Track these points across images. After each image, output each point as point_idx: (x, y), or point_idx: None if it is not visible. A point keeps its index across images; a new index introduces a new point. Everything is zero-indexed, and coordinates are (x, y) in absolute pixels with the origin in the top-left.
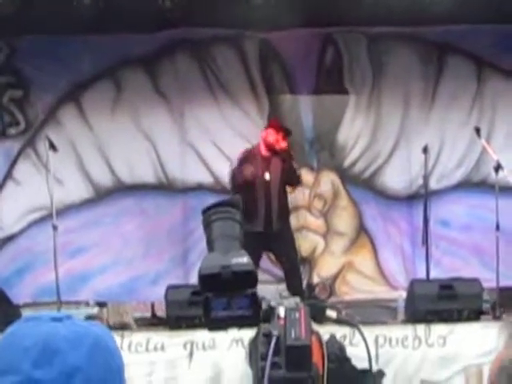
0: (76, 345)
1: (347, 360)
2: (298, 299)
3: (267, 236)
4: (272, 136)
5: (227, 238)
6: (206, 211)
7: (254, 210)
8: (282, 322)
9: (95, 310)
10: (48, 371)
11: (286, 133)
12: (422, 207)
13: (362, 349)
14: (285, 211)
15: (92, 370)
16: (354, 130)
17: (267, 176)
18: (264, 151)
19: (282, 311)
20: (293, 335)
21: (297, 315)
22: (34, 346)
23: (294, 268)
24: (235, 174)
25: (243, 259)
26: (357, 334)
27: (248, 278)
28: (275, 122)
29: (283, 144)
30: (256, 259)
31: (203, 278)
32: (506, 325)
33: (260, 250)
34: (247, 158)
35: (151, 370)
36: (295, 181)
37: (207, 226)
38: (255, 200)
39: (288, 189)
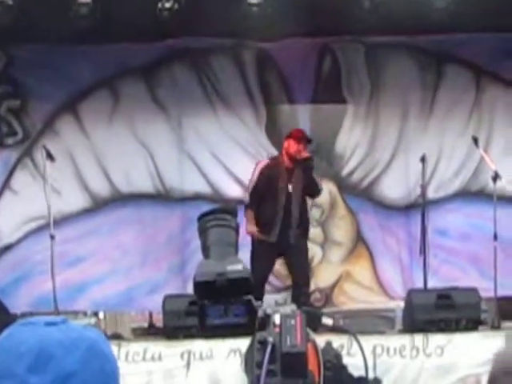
0: (70, 349)
1: (343, 368)
2: (294, 306)
3: (282, 246)
4: (293, 147)
5: (223, 245)
6: (202, 217)
7: (272, 221)
8: (277, 329)
9: (93, 320)
10: (43, 376)
11: (307, 142)
12: (420, 217)
13: (359, 358)
14: (304, 222)
15: (87, 374)
16: (351, 140)
17: (289, 188)
18: (287, 162)
19: (277, 318)
20: (288, 342)
21: (292, 322)
22: (28, 351)
23: (303, 282)
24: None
25: (238, 266)
26: (354, 344)
27: (243, 285)
28: (296, 132)
29: (305, 154)
30: (269, 267)
31: (198, 284)
32: None
33: (273, 259)
34: (270, 167)
35: (148, 379)
36: (316, 191)
37: (203, 232)
38: (275, 211)
39: (308, 200)
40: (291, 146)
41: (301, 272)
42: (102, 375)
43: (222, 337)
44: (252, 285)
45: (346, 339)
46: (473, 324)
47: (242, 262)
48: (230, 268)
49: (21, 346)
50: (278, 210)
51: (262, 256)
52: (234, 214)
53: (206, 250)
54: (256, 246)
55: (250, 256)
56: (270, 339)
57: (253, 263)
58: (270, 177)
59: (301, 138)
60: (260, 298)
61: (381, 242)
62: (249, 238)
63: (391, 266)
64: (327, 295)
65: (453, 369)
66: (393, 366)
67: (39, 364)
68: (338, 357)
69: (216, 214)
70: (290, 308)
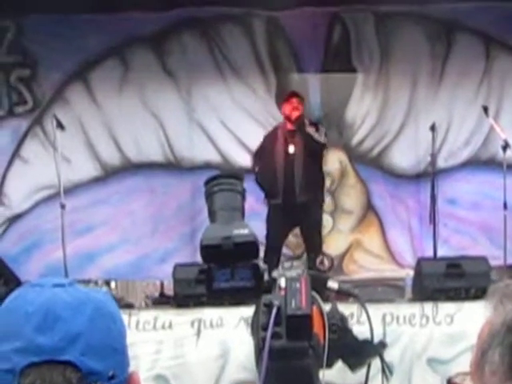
0: (78, 310)
1: (349, 331)
2: (299, 270)
3: (291, 209)
4: (287, 108)
5: (229, 209)
6: (209, 182)
7: (275, 183)
8: (283, 292)
9: (104, 289)
10: (50, 336)
11: (298, 98)
12: (430, 186)
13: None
14: (311, 184)
15: (93, 335)
16: (361, 109)
17: (291, 149)
18: (288, 125)
19: (283, 281)
20: (293, 305)
21: (297, 285)
22: (36, 312)
23: (312, 244)
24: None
25: (244, 230)
26: (363, 313)
27: (249, 249)
28: (287, 93)
29: (295, 114)
30: (283, 232)
31: (205, 248)
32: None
33: (286, 224)
34: (269, 135)
35: (159, 348)
36: (316, 147)
37: (209, 196)
38: (275, 173)
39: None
40: (285, 107)
41: (309, 235)
42: (108, 335)
43: (229, 300)
44: (258, 249)
45: (356, 308)
46: (482, 293)
47: (248, 226)
48: (236, 232)
49: (29, 306)
50: (279, 172)
51: (275, 221)
52: (241, 178)
53: (212, 215)
54: (269, 211)
55: (266, 222)
56: (276, 302)
57: (268, 229)
58: (270, 140)
59: (290, 96)
60: (276, 263)
61: (391, 211)
62: (259, 207)
63: (401, 234)
64: (333, 263)
65: (462, 337)
66: (402, 334)
67: (47, 324)
68: (344, 320)
69: (222, 178)
70: (296, 272)
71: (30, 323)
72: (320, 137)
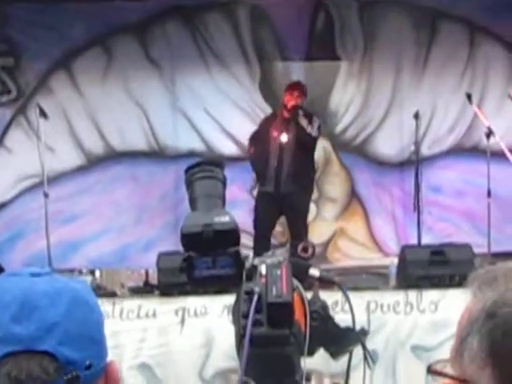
0: (55, 300)
1: (330, 318)
2: (280, 257)
3: (278, 198)
4: (286, 97)
5: (209, 197)
6: (189, 170)
7: (266, 170)
8: (263, 279)
9: (88, 278)
10: (26, 326)
11: (300, 89)
12: (414, 173)
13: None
14: (298, 174)
15: (70, 324)
16: (345, 97)
17: (283, 137)
18: (285, 113)
19: (263, 269)
20: (274, 292)
21: (278, 272)
22: (13, 301)
23: (296, 233)
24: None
25: (225, 218)
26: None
27: (230, 237)
28: (290, 82)
29: (290, 103)
30: (271, 219)
31: (185, 236)
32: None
33: (273, 212)
34: (265, 121)
35: (143, 336)
36: (307, 139)
37: (190, 184)
38: (267, 161)
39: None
40: (286, 96)
41: (292, 225)
42: (85, 325)
43: (211, 289)
44: (238, 237)
45: (340, 296)
46: (466, 280)
47: (228, 213)
48: (217, 219)
49: (6, 295)
50: (271, 160)
51: (263, 209)
52: (222, 166)
53: (193, 203)
54: (258, 199)
55: (254, 210)
56: (257, 289)
57: (256, 217)
58: (265, 126)
59: (292, 87)
60: (266, 251)
61: (375, 199)
62: (241, 195)
63: (385, 222)
64: (315, 250)
65: (446, 324)
66: (386, 322)
67: (23, 314)
68: (325, 307)
69: (203, 166)
70: (277, 258)
71: (6, 313)
72: (312, 129)
